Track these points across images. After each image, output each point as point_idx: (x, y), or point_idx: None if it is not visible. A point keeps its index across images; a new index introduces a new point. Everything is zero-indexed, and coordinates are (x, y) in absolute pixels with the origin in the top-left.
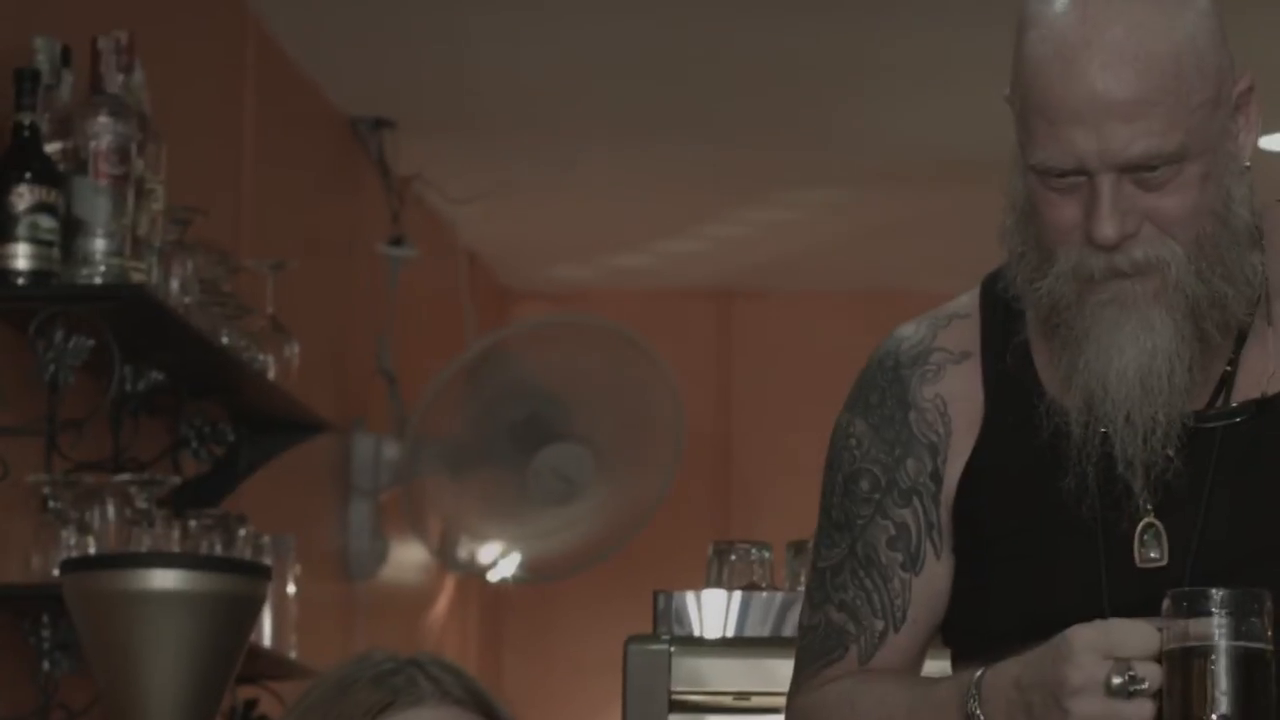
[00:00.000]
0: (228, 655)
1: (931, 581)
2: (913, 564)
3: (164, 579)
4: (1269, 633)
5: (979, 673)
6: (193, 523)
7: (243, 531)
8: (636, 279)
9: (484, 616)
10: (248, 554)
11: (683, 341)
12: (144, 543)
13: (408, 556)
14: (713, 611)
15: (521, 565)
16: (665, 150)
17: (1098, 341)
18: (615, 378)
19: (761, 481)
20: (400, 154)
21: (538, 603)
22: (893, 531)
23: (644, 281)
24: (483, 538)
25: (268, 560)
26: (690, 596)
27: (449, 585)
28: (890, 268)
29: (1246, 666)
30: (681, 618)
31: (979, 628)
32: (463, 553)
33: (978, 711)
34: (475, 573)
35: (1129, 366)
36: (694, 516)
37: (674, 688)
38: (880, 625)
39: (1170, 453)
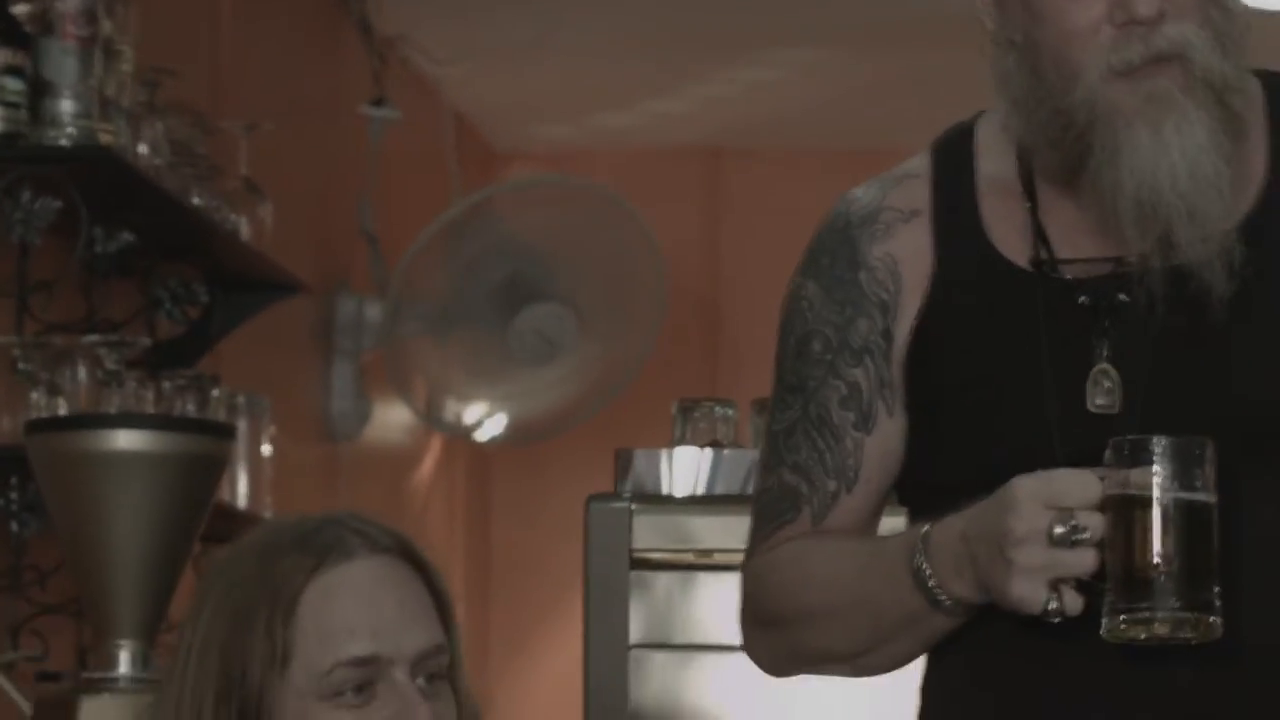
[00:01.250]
0: (192, 514)
1: (884, 440)
2: (865, 423)
3: (125, 439)
4: (1212, 482)
5: (925, 528)
6: (166, 384)
7: (216, 392)
8: (624, 139)
9: (471, 478)
10: (221, 415)
11: (671, 201)
12: (114, 404)
13: (391, 418)
14: (675, 469)
15: (507, 426)
16: (652, 9)
17: (1138, 147)
18: (599, 238)
19: (750, 341)
20: (383, 14)
21: (526, 464)
22: (844, 391)
23: (632, 141)
24: (468, 398)
25: (242, 421)
26: (649, 454)
27: (435, 446)
28: (879, 127)
29: (1188, 516)
30: (648, 475)
31: (932, 482)
32: (448, 414)
33: (924, 566)
34: (461, 434)
35: (1178, 163)
36: (683, 377)
37: (635, 545)
38: (833, 485)
39: (1225, 258)
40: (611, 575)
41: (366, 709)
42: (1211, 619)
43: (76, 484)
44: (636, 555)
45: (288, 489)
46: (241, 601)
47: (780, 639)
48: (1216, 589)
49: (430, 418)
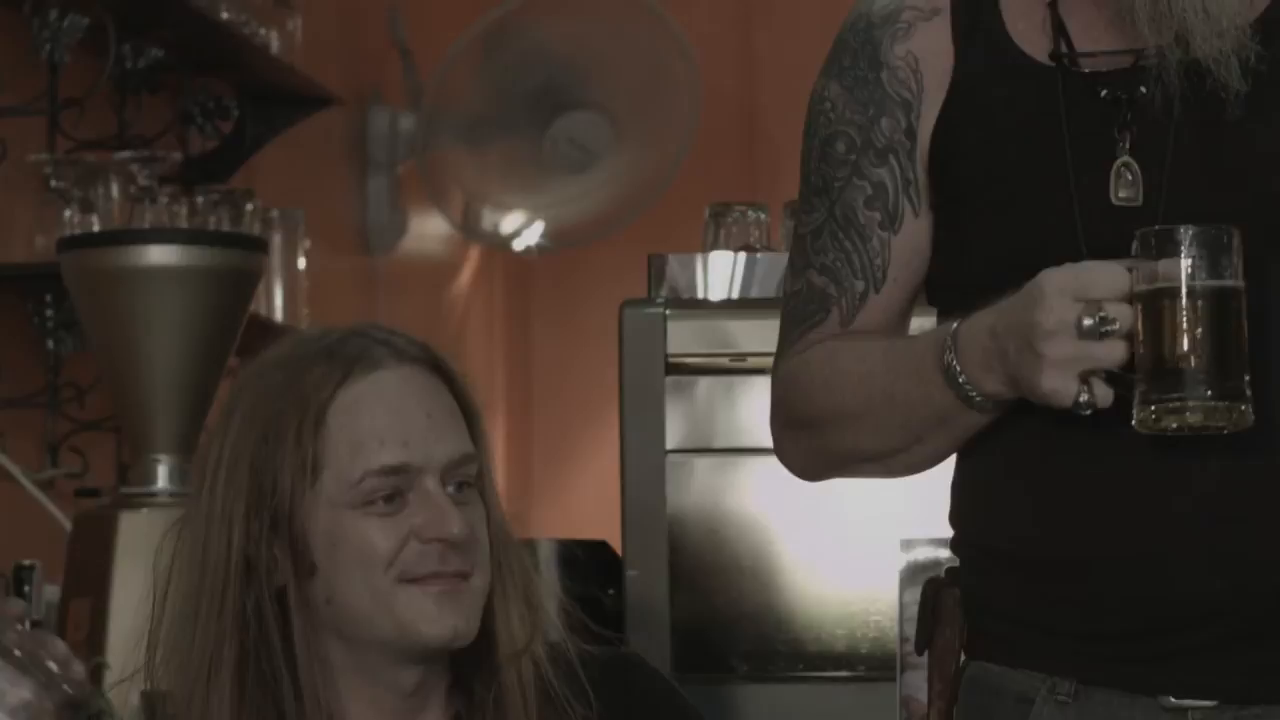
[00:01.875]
0: (226, 328)
1: (911, 239)
2: (891, 222)
3: (157, 255)
4: (1239, 270)
5: (954, 325)
6: (199, 199)
7: (250, 206)
8: None
9: (510, 287)
10: (256, 228)
11: (704, 4)
12: (147, 220)
13: (428, 229)
14: (709, 273)
15: (545, 234)
16: None
17: None
18: (632, 45)
19: (786, 143)
20: None
21: (565, 271)
22: (870, 191)
23: None
24: (505, 208)
25: (277, 235)
26: (682, 259)
27: (473, 257)
28: None
29: (1217, 304)
30: (682, 280)
31: (960, 282)
32: (485, 224)
33: (954, 363)
34: (498, 243)
35: None
36: (720, 181)
37: (670, 351)
38: (861, 286)
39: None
40: (647, 381)
41: (397, 517)
42: (1243, 407)
43: (110, 300)
44: (671, 360)
45: (325, 302)
46: (270, 413)
47: (812, 441)
48: (1247, 377)
49: (467, 228)
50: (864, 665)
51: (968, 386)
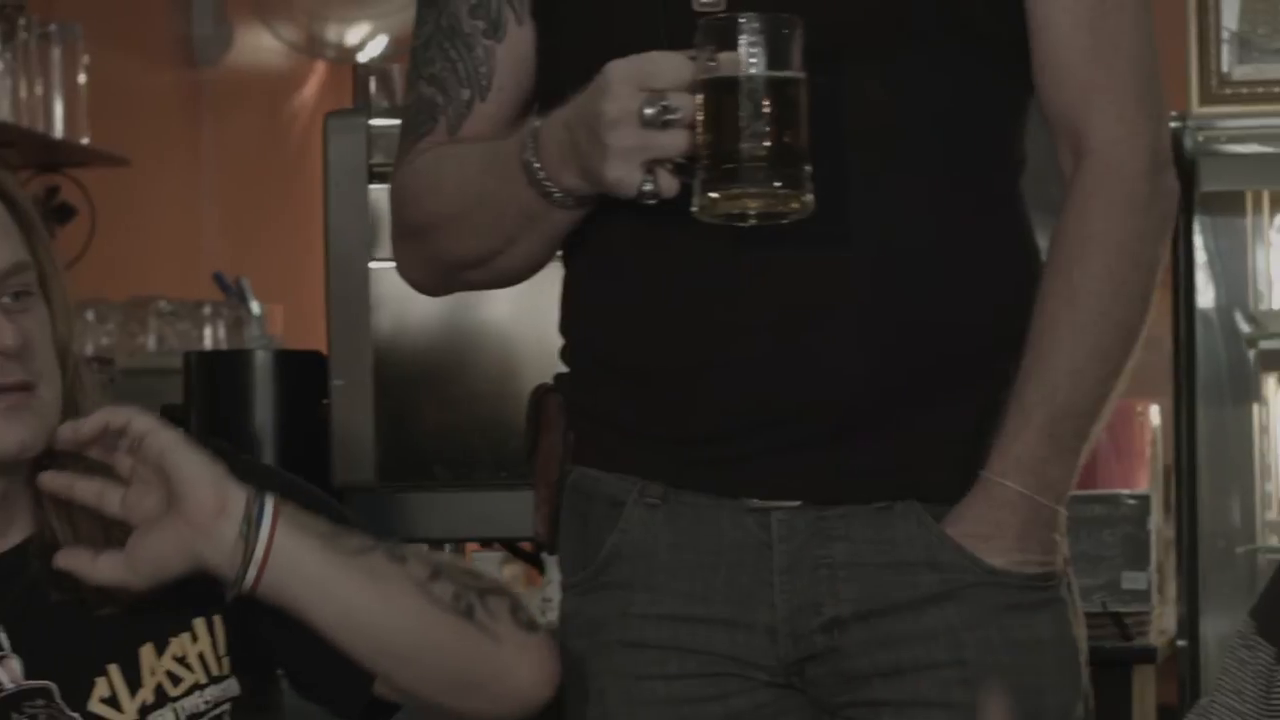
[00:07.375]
0: None
1: (515, 47)
2: (495, 31)
3: None
4: (798, 60)
5: (536, 123)
6: None
7: (23, 21)
8: None
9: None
10: (32, 45)
11: None
12: None
13: (264, 41)
14: None
15: (390, 45)
16: None
17: None
18: None
19: None
20: None
21: None
22: (474, 1)
23: None
24: (348, 21)
25: (56, 50)
26: (388, 70)
27: (319, 70)
28: None
29: (774, 93)
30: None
31: (558, 90)
32: (331, 36)
33: (533, 159)
34: (343, 57)
35: None
36: None
37: (374, 160)
38: (466, 94)
39: None
40: (350, 192)
41: None
42: (805, 196)
43: None
44: (376, 170)
45: (143, 116)
46: None
47: (421, 249)
48: (808, 168)
49: (312, 44)
50: None
51: (546, 182)
